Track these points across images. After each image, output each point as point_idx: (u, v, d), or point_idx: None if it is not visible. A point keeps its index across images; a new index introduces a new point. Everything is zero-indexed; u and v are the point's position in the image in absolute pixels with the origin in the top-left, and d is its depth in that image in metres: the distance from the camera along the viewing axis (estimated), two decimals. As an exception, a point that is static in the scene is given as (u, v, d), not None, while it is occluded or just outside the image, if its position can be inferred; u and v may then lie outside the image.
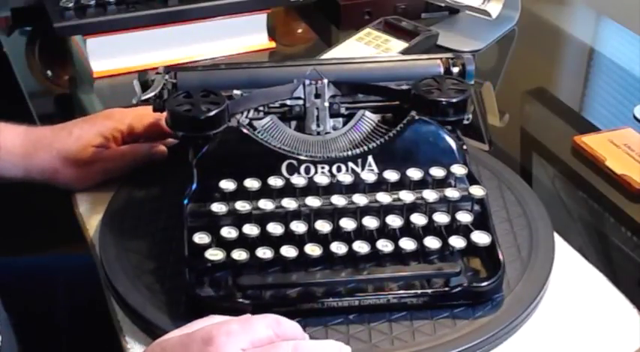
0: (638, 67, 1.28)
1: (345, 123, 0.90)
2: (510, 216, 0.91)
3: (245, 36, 1.28)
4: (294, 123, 0.90)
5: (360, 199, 0.82)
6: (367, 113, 0.90)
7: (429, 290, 0.79)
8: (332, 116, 0.90)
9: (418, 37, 1.24)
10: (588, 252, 0.91)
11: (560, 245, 0.89)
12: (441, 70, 0.93)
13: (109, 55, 1.21)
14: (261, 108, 0.90)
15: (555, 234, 0.89)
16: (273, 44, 1.30)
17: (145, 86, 0.89)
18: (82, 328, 1.04)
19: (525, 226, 0.89)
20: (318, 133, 0.89)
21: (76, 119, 1.01)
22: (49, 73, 1.28)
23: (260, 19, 1.28)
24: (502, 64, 1.33)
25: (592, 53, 1.37)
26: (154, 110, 0.89)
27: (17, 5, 1.37)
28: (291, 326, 0.70)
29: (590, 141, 1.08)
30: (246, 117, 0.89)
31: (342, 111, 0.91)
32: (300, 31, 1.41)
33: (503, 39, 1.35)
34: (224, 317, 0.72)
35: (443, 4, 1.36)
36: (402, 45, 1.23)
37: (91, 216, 0.94)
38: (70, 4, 1.18)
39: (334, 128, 0.90)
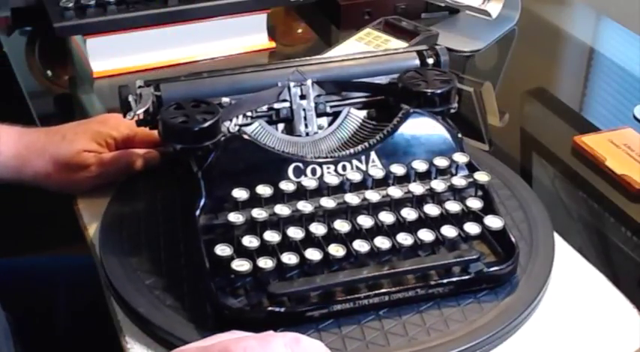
0: (638, 67, 1.28)
1: (330, 122, 0.91)
2: (508, 210, 0.91)
3: (245, 36, 1.28)
4: (281, 126, 0.90)
5: (373, 195, 0.83)
6: (352, 110, 0.91)
7: (455, 279, 0.80)
8: (318, 116, 0.91)
9: (418, 37, 1.24)
10: (588, 252, 0.91)
11: (560, 245, 0.89)
12: (418, 62, 0.94)
13: (109, 55, 1.21)
14: (248, 113, 0.89)
15: (555, 234, 0.89)
16: (273, 44, 1.30)
17: (127, 101, 0.87)
18: (82, 328, 1.04)
19: (524, 220, 0.90)
20: (307, 134, 0.90)
21: (70, 123, 0.99)
22: (49, 73, 1.28)
23: (260, 19, 1.28)
24: (502, 64, 1.33)
25: (592, 53, 1.37)
26: (139, 124, 0.88)
27: (17, 5, 1.37)
28: (312, 345, 0.69)
29: (590, 141, 1.08)
30: (235, 124, 0.88)
31: (328, 110, 0.91)
32: (300, 31, 1.41)
33: (503, 39, 1.35)
34: (245, 333, 0.71)
35: (443, 4, 1.36)
36: (402, 45, 1.23)
37: (92, 217, 0.94)
38: (70, 4, 1.18)
39: (319, 127, 0.91)
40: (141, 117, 0.86)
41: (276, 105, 0.90)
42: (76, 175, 0.95)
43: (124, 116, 0.87)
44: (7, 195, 1.10)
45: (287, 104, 0.90)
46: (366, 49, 1.22)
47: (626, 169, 1.02)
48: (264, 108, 0.90)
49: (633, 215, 0.98)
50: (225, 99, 0.88)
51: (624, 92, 1.25)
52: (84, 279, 0.91)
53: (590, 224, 1.01)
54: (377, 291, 0.78)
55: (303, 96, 0.90)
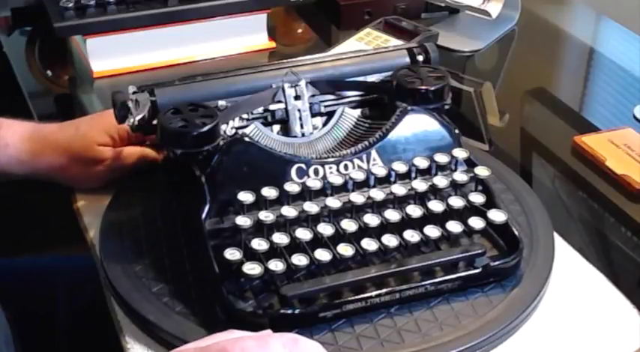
0: (638, 67, 1.28)
1: (325, 122, 0.91)
2: (505, 203, 0.92)
3: (245, 36, 1.28)
4: (276, 128, 0.90)
5: (377, 194, 0.84)
6: (347, 109, 0.92)
7: (464, 274, 0.81)
8: (312, 116, 0.91)
9: (418, 37, 1.24)
10: (588, 251, 0.91)
11: (560, 245, 0.89)
12: (408, 59, 0.95)
13: (109, 55, 1.21)
14: (244, 116, 0.89)
15: (555, 234, 0.89)
16: (273, 44, 1.30)
17: (127, 106, 0.86)
18: (82, 328, 1.04)
19: (523, 217, 0.91)
20: (303, 135, 0.90)
21: (84, 117, 1.00)
22: (49, 73, 1.28)
23: (260, 19, 1.28)
24: (502, 64, 1.33)
25: (592, 53, 1.37)
26: (135, 130, 0.86)
27: (17, 5, 1.37)
28: (309, 346, 0.69)
29: (590, 141, 1.08)
30: (232, 127, 0.88)
31: (322, 110, 0.92)
32: (300, 31, 1.41)
33: (503, 39, 1.35)
34: (243, 332, 0.71)
35: (443, 4, 1.36)
36: (402, 45, 1.23)
37: (92, 218, 0.94)
38: (70, 4, 1.18)
39: (314, 128, 0.91)
40: (136, 123, 0.86)
41: (271, 107, 0.90)
42: (90, 169, 0.95)
43: (121, 122, 0.87)
44: (7, 195, 1.10)
45: (282, 105, 0.90)
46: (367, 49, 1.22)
47: (626, 169, 1.02)
48: (260, 110, 0.90)
49: (633, 215, 0.98)
50: (222, 103, 0.88)
51: (624, 92, 1.25)
52: (84, 279, 0.91)
53: (590, 224, 1.01)
54: (388, 289, 0.79)
55: (297, 97, 0.90)
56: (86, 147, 0.94)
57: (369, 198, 0.84)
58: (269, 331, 0.70)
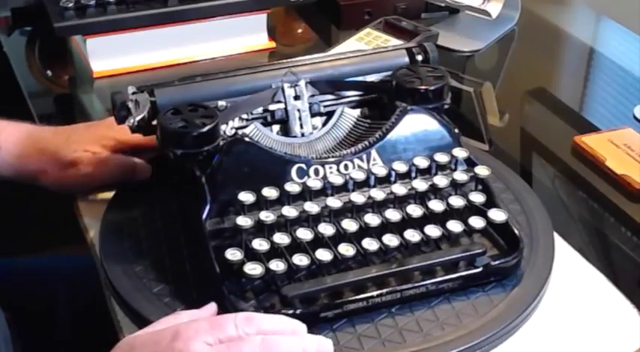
0: (638, 67, 1.28)
1: (324, 122, 0.91)
2: (505, 202, 0.92)
3: (245, 36, 1.28)
4: (275, 128, 0.90)
5: (378, 194, 0.84)
6: (346, 109, 0.92)
7: (464, 273, 0.81)
8: (312, 116, 0.91)
9: (418, 37, 1.24)
10: (588, 252, 0.91)
11: (560, 245, 0.89)
12: (407, 59, 0.95)
13: (109, 55, 1.21)
14: (244, 116, 0.89)
15: (555, 234, 0.89)
16: (273, 44, 1.30)
17: (127, 107, 0.86)
18: (82, 328, 1.04)
19: (523, 216, 0.91)
20: (302, 135, 0.90)
21: (80, 124, 1.00)
22: (49, 73, 1.28)
23: (260, 19, 1.28)
24: (502, 64, 1.33)
25: (592, 53, 1.37)
26: (134, 131, 0.86)
27: (17, 5, 1.37)
28: (265, 321, 0.69)
29: (590, 141, 1.08)
30: (232, 127, 0.88)
31: (321, 110, 0.92)
32: (300, 31, 1.41)
33: (503, 39, 1.35)
34: (191, 311, 0.72)
35: (443, 4, 1.36)
36: (402, 45, 1.23)
37: (92, 217, 0.94)
38: (70, 4, 1.18)
39: (314, 128, 0.91)
40: (136, 123, 0.85)
41: (270, 107, 0.90)
42: (66, 172, 0.94)
43: (121, 122, 0.86)
44: (7, 195, 1.10)
45: (281, 105, 0.90)
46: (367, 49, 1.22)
47: (626, 169, 1.02)
48: (259, 110, 0.90)
49: (633, 215, 0.98)
50: (222, 103, 0.88)
51: (624, 92, 1.25)
52: (84, 279, 0.91)
53: (590, 224, 1.01)
54: (389, 289, 0.79)
55: (297, 97, 0.90)
56: (69, 151, 0.93)
57: (369, 197, 0.84)
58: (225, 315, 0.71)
